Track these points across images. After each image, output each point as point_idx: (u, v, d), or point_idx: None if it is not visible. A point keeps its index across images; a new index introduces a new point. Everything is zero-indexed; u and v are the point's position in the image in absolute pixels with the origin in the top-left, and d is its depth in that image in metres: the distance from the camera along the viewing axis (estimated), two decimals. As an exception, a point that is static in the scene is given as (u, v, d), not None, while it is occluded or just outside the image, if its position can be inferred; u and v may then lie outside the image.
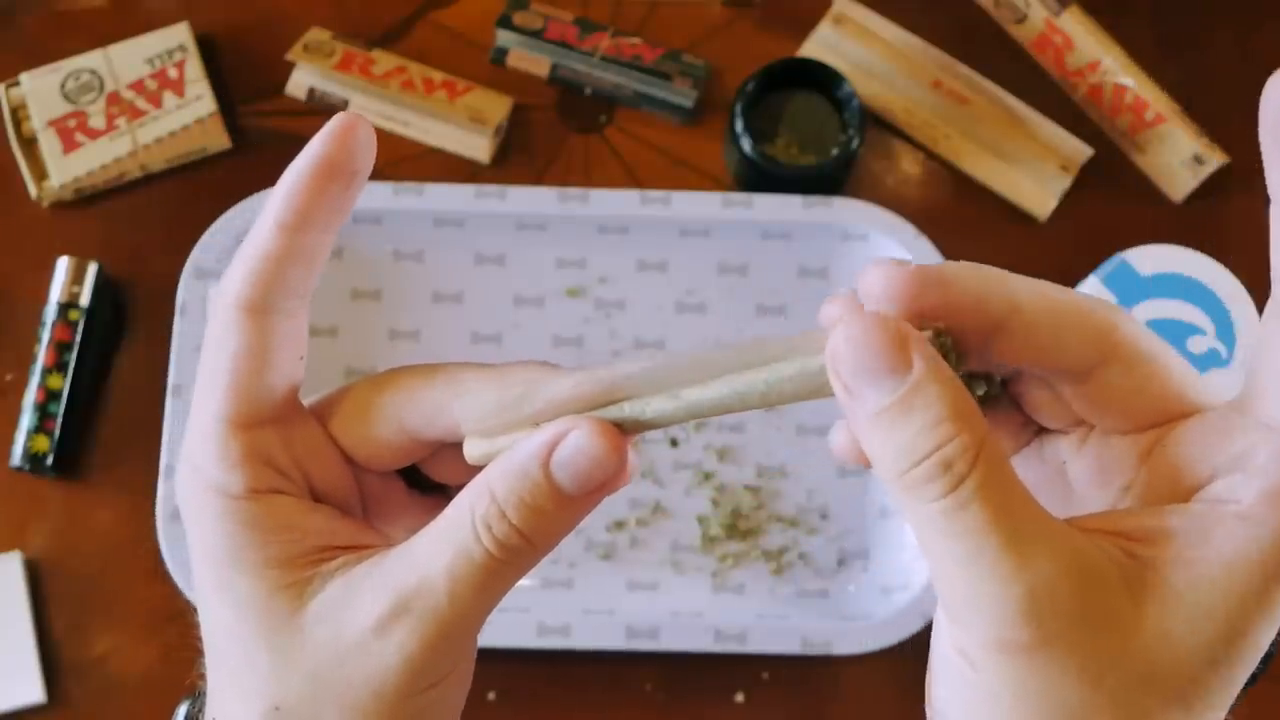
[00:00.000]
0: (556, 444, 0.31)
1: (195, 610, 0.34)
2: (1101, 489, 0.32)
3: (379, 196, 0.80)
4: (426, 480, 0.37)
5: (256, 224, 0.33)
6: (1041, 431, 0.34)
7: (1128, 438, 0.32)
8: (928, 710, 0.33)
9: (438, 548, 0.31)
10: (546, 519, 0.31)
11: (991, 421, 0.32)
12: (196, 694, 0.35)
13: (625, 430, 0.32)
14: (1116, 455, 0.32)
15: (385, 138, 0.86)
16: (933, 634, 0.31)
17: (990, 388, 0.33)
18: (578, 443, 0.31)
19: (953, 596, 0.29)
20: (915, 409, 0.28)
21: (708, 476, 0.80)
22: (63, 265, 0.80)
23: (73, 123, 0.83)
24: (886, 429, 0.28)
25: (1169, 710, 0.29)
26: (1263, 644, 0.30)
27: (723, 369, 0.31)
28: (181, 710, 0.37)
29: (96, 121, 0.83)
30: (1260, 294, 0.74)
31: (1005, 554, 0.28)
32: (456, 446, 0.34)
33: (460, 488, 0.32)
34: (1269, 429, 0.29)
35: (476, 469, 0.32)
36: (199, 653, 0.34)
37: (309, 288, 0.33)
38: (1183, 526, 0.29)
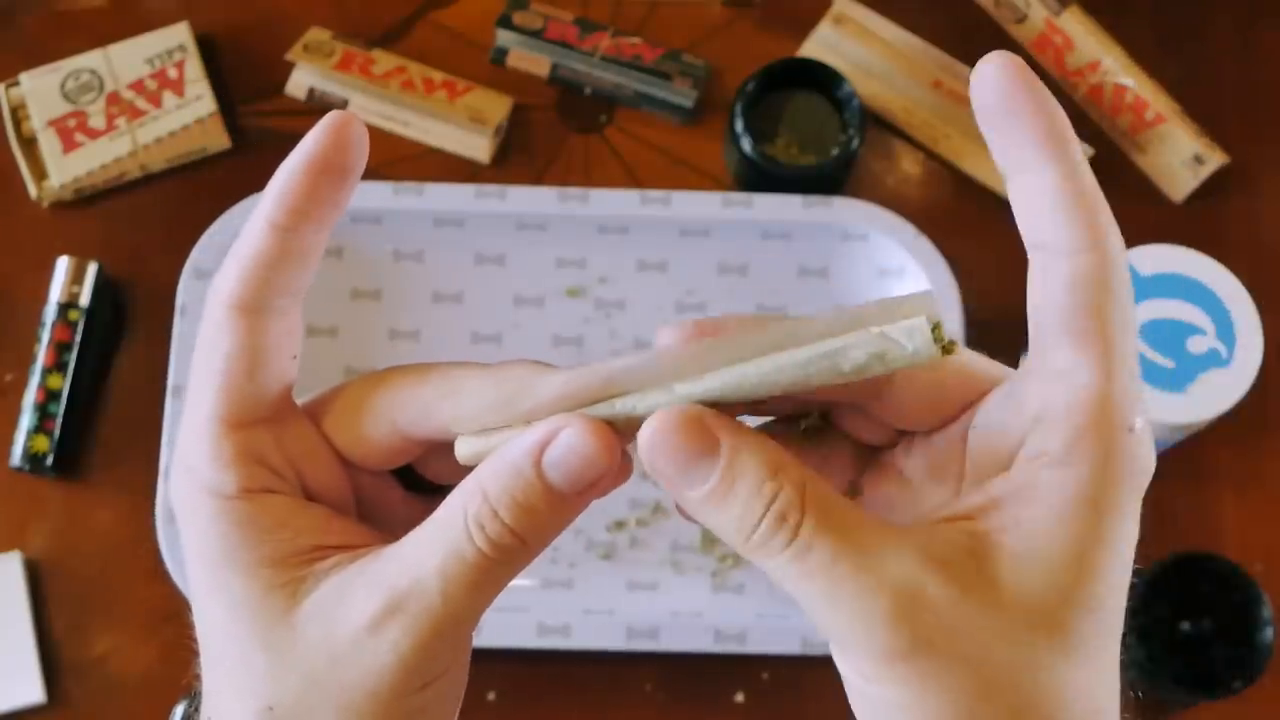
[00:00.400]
0: (548, 442, 0.31)
1: (191, 610, 0.34)
2: (940, 484, 0.34)
3: (379, 196, 0.80)
4: (422, 481, 0.37)
5: (249, 222, 0.32)
6: (876, 448, 0.35)
7: (944, 431, 0.33)
8: None
9: (430, 547, 0.31)
10: (539, 518, 0.31)
11: (828, 449, 0.35)
12: (193, 694, 0.35)
13: (619, 428, 0.31)
14: (941, 449, 0.33)
15: (385, 138, 0.86)
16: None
17: (810, 420, 0.35)
18: (569, 441, 0.31)
19: (831, 629, 0.30)
20: (736, 483, 0.30)
21: (708, 476, 0.80)
22: (62, 265, 0.80)
23: (72, 122, 0.83)
24: (718, 508, 0.30)
25: (1053, 659, 0.30)
26: (1115, 568, 0.31)
27: (717, 361, 0.31)
28: (179, 710, 0.37)
29: (96, 121, 0.83)
30: (1262, 294, 0.74)
31: (859, 575, 0.29)
32: (449, 447, 0.34)
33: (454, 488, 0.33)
34: (1057, 377, 0.30)
35: (471, 469, 0.32)
36: (195, 653, 0.34)
37: (303, 287, 0.33)
38: (1008, 491, 0.30)
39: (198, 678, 0.34)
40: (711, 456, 0.30)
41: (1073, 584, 0.30)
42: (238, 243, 0.33)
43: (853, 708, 0.32)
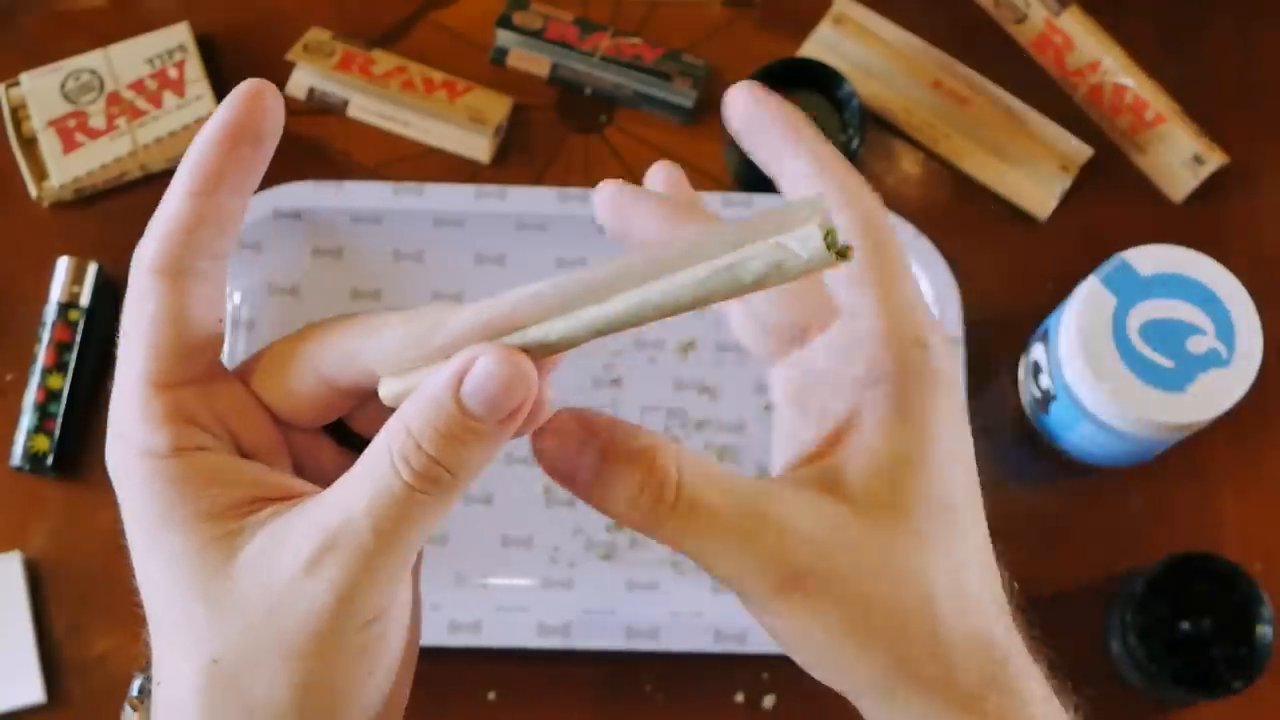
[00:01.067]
0: (465, 372, 0.31)
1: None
2: (801, 412, 0.38)
3: (379, 196, 0.80)
4: (356, 438, 0.37)
5: (168, 191, 0.34)
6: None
7: (796, 358, 0.38)
8: None
9: (359, 485, 0.32)
10: (463, 448, 0.31)
11: None
12: (147, 664, 0.35)
13: (534, 355, 0.32)
14: (795, 378, 0.38)
15: (385, 138, 0.86)
16: None
17: None
18: (486, 368, 0.31)
19: (728, 578, 0.35)
20: (612, 469, 0.33)
21: (708, 476, 0.80)
22: (63, 265, 0.80)
23: (73, 123, 0.83)
24: (600, 493, 0.34)
25: (910, 556, 0.34)
26: (949, 472, 0.35)
27: (623, 283, 0.31)
28: (135, 684, 0.37)
29: (96, 121, 0.83)
30: (1261, 294, 0.74)
31: (738, 527, 0.34)
32: (378, 399, 0.34)
33: None
34: (850, 315, 0.36)
35: (361, 376, 0.34)
36: (144, 621, 0.34)
37: (223, 250, 0.34)
38: (842, 418, 0.36)
39: (148, 645, 0.34)
40: (591, 452, 0.33)
41: (906, 482, 0.34)
42: (157, 211, 0.34)
43: (785, 650, 0.36)
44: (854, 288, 0.36)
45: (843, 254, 0.30)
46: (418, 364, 0.33)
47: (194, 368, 0.34)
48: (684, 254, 0.31)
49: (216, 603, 0.32)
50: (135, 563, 0.33)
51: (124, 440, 0.33)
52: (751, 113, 0.37)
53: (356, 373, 0.34)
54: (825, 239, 0.30)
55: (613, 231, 0.37)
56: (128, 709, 0.36)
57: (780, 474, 0.37)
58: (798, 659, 0.36)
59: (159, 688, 0.34)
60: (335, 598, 0.31)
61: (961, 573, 0.35)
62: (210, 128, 0.33)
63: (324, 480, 0.34)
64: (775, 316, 0.38)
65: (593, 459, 0.33)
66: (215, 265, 0.34)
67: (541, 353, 0.32)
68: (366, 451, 0.32)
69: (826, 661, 0.35)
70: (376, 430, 0.35)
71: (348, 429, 0.37)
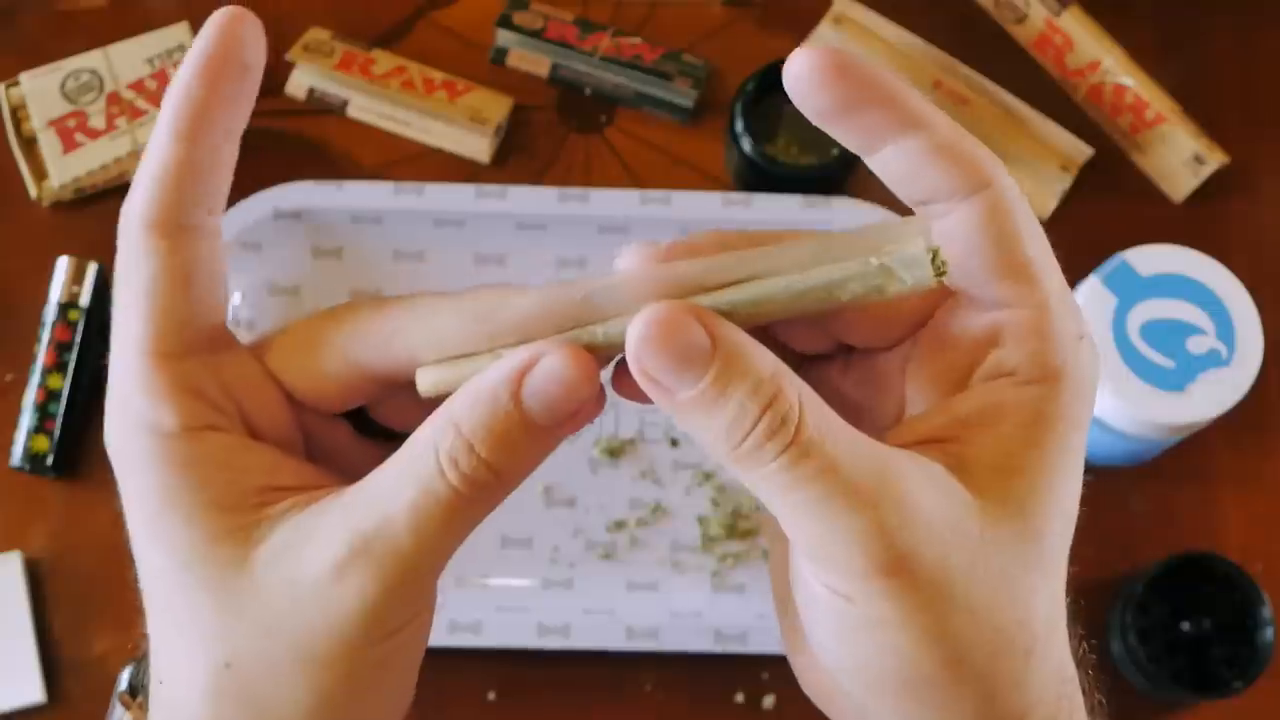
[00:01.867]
0: (527, 370, 0.28)
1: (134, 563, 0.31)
2: (881, 403, 0.33)
3: (379, 196, 0.80)
4: (375, 426, 0.34)
5: (151, 139, 0.30)
6: (804, 360, 0.34)
7: (889, 352, 0.33)
8: (793, 660, 0.34)
9: (399, 484, 0.29)
10: (517, 451, 0.29)
11: None
12: (141, 657, 0.33)
13: (597, 354, 0.29)
14: (882, 371, 0.33)
15: (385, 138, 0.86)
16: (793, 583, 0.31)
17: None
18: (550, 368, 0.28)
19: (812, 540, 0.29)
20: (731, 384, 0.28)
21: (708, 476, 0.80)
22: (63, 265, 0.80)
23: (73, 123, 0.83)
24: (707, 412, 0.28)
25: (1028, 572, 0.30)
26: (1076, 484, 0.31)
27: (701, 284, 0.29)
28: (124, 676, 0.35)
29: (96, 121, 0.83)
30: (1262, 294, 0.74)
31: (855, 486, 0.28)
32: (409, 388, 0.31)
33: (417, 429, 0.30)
34: (1002, 305, 0.31)
35: (431, 405, 0.30)
36: (140, 611, 0.32)
37: (219, 202, 0.31)
38: (974, 410, 0.30)
39: (145, 636, 0.32)
40: (705, 355, 0.28)
41: (1046, 495, 0.30)
42: (143, 162, 0.30)
43: (806, 617, 0.31)
44: (1005, 278, 0.30)
45: (941, 272, 0.29)
46: (464, 353, 0.30)
47: (198, 335, 0.31)
48: (773, 262, 0.29)
49: (230, 603, 0.29)
50: (135, 549, 0.31)
51: (124, 416, 0.30)
52: (832, 89, 0.29)
53: (393, 358, 0.31)
54: (932, 262, 0.29)
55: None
56: (118, 705, 0.35)
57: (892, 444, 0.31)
58: (840, 651, 0.31)
59: (160, 686, 0.31)
60: (363, 607, 0.29)
61: (1058, 599, 0.32)
62: (189, 64, 0.30)
63: (338, 469, 0.32)
64: (886, 320, 0.33)
65: (707, 371, 0.28)
66: (212, 219, 0.31)
67: (606, 352, 0.29)
68: (406, 447, 0.29)
69: (890, 664, 0.30)
70: (400, 421, 0.33)
71: (367, 416, 0.34)
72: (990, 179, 0.30)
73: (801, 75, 0.29)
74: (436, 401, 0.30)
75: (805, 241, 0.29)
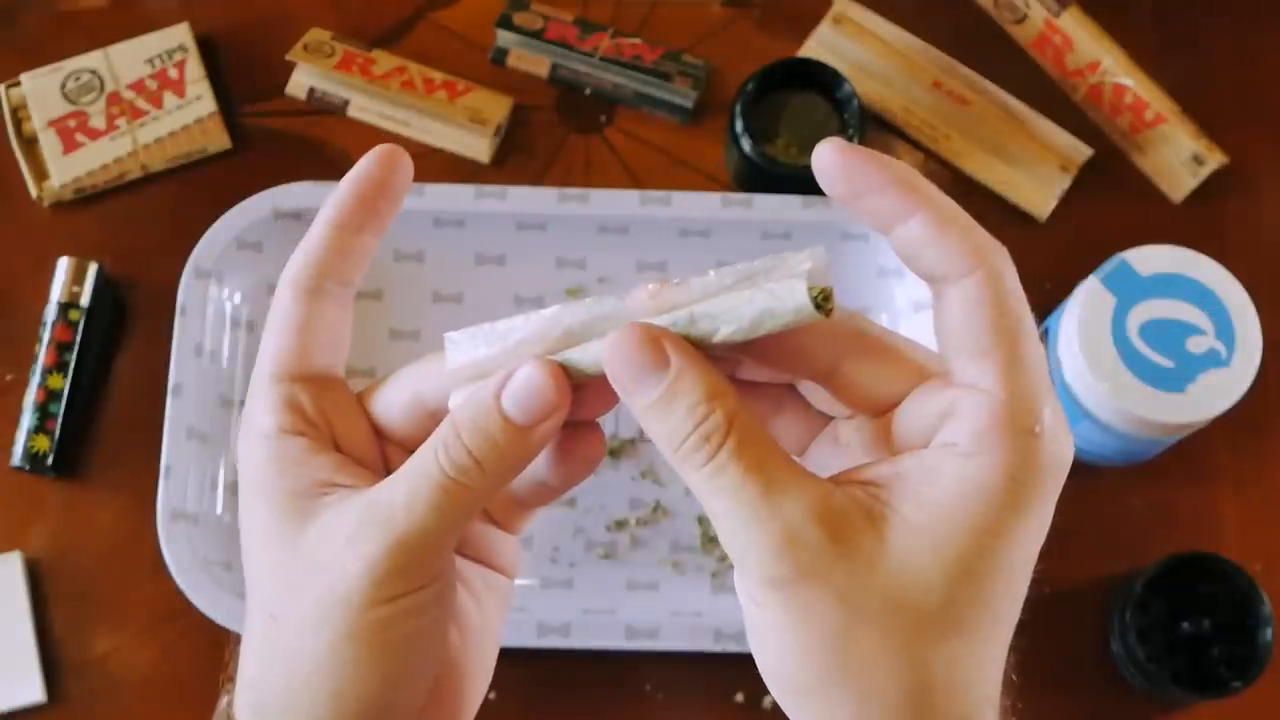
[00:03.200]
0: (508, 379, 0.36)
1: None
2: (871, 456, 0.37)
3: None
4: None
5: (315, 221, 0.39)
6: (830, 417, 0.40)
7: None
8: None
9: (405, 470, 0.36)
10: (495, 444, 0.36)
11: (792, 413, 0.40)
12: (231, 680, 0.40)
13: (573, 377, 0.36)
14: (878, 427, 0.37)
15: (385, 138, 0.86)
16: None
17: None
18: (523, 375, 0.36)
19: (730, 546, 0.34)
20: (677, 396, 0.34)
21: (708, 476, 0.80)
22: (63, 265, 0.80)
23: (73, 123, 0.83)
24: (660, 416, 0.35)
25: (924, 627, 0.33)
26: (1011, 561, 0.34)
27: (675, 304, 0.35)
28: (223, 702, 0.41)
29: (97, 122, 0.83)
30: (1261, 294, 0.74)
31: (761, 502, 0.33)
32: None
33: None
34: (962, 387, 0.34)
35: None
36: (234, 642, 0.40)
37: (354, 278, 0.39)
38: (914, 469, 0.34)
39: (233, 657, 0.40)
40: (661, 371, 0.34)
41: (957, 562, 0.33)
42: (304, 238, 0.39)
43: (746, 633, 0.36)
44: (975, 356, 0.34)
45: (822, 307, 0.33)
46: (485, 375, 0.37)
47: (310, 369, 0.39)
48: (702, 292, 0.35)
49: (282, 569, 0.37)
50: (240, 519, 0.39)
51: (247, 419, 0.39)
52: (855, 174, 0.34)
53: (441, 391, 0.38)
54: (812, 295, 0.33)
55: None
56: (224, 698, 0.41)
57: (828, 474, 0.36)
58: (756, 653, 0.36)
59: (245, 633, 0.39)
60: (363, 567, 0.35)
61: (973, 668, 0.34)
62: (353, 173, 0.38)
63: None
64: (877, 390, 0.36)
65: (661, 384, 0.34)
66: (343, 290, 0.39)
67: (579, 375, 0.36)
68: (422, 445, 0.37)
69: (784, 668, 0.34)
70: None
71: None
72: (980, 264, 0.34)
73: (823, 167, 0.35)
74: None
75: (722, 273, 0.35)
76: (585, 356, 0.36)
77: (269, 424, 0.38)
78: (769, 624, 0.34)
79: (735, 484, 0.33)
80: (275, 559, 0.37)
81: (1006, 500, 0.33)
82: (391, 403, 0.39)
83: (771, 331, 0.34)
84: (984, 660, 0.34)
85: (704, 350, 0.35)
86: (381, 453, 0.40)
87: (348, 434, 0.39)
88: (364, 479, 0.38)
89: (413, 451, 0.38)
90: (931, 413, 0.35)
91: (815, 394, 0.39)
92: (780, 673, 0.35)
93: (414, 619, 0.37)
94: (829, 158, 0.34)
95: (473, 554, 0.43)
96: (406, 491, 0.36)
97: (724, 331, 0.35)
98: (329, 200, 0.39)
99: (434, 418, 0.38)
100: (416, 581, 0.36)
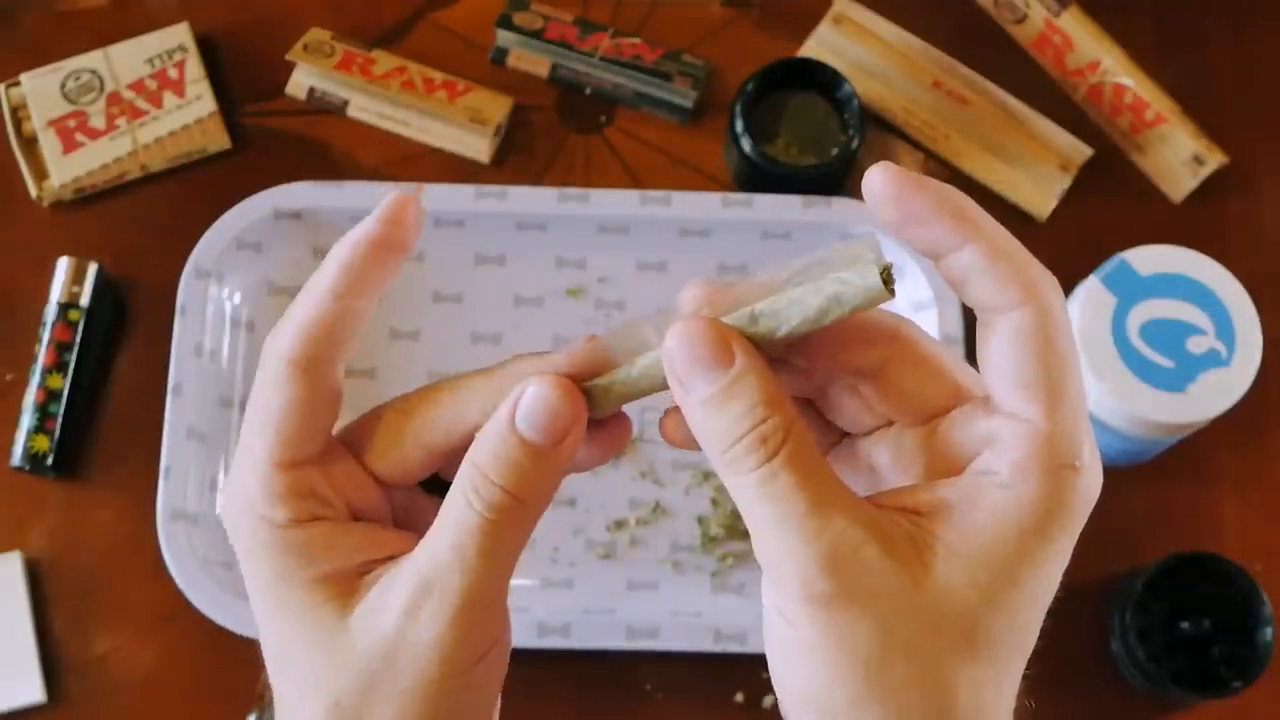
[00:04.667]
0: (518, 402, 0.35)
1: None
2: (899, 478, 0.37)
3: (379, 196, 0.79)
4: (442, 483, 0.39)
5: (310, 286, 0.36)
6: (845, 435, 0.39)
7: (915, 430, 0.37)
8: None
9: (442, 528, 0.35)
10: (525, 473, 0.35)
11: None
12: (263, 703, 0.40)
13: (612, 396, 0.36)
14: (908, 447, 0.37)
15: (385, 138, 0.86)
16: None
17: None
18: (534, 393, 0.35)
19: (767, 556, 0.33)
20: (736, 396, 0.33)
21: (708, 476, 0.80)
22: (63, 265, 0.80)
23: (73, 123, 0.83)
24: (713, 413, 0.34)
25: (957, 652, 0.33)
26: (1038, 592, 0.34)
27: (729, 306, 0.35)
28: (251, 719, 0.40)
29: (97, 121, 0.83)
30: (1261, 294, 0.74)
31: (810, 515, 0.33)
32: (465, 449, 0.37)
33: None
34: (1004, 417, 0.34)
35: (465, 440, 0.36)
36: (261, 665, 0.38)
37: (353, 347, 0.37)
38: (954, 496, 0.34)
39: (267, 687, 0.38)
40: (722, 367, 0.33)
41: (993, 590, 0.33)
42: (299, 304, 0.36)
43: (766, 647, 0.35)
44: (1018, 390, 0.34)
45: (887, 282, 0.33)
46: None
47: (314, 448, 0.37)
48: (760, 290, 0.34)
49: (335, 653, 0.35)
50: (256, 614, 0.37)
51: (246, 507, 0.36)
52: (907, 201, 0.34)
53: (458, 439, 0.37)
54: (881, 273, 0.33)
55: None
56: None
57: (867, 495, 0.35)
58: (779, 671, 0.35)
59: None
60: (435, 638, 0.35)
61: (994, 694, 0.34)
62: (361, 237, 0.36)
63: (418, 524, 0.38)
64: (917, 399, 0.36)
65: (721, 379, 0.34)
66: (344, 358, 0.37)
67: (607, 397, 0.35)
68: (447, 496, 0.36)
69: (810, 689, 0.34)
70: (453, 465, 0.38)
71: (435, 475, 0.40)
72: (1031, 298, 0.34)
73: (875, 191, 0.34)
74: None
75: (781, 270, 0.35)
76: (634, 370, 0.35)
77: (280, 515, 0.36)
78: (800, 642, 0.33)
79: (785, 492, 0.33)
80: (323, 645, 0.35)
81: (1042, 533, 0.33)
82: (401, 461, 0.38)
83: (838, 319, 0.34)
84: (1004, 686, 0.35)
85: (763, 350, 0.35)
86: (387, 498, 0.39)
87: (359, 499, 0.38)
88: (393, 543, 0.37)
89: (415, 483, 0.38)
90: (971, 437, 0.35)
91: (843, 405, 0.38)
92: (805, 692, 0.34)
93: (494, 661, 0.37)
94: (880, 183, 0.34)
95: None
96: (451, 548, 0.35)
97: (790, 324, 0.34)
98: (331, 262, 0.36)
99: (437, 455, 0.37)
100: (487, 633, 0.36)
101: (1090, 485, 0.34)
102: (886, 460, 0.37)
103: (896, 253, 0.80)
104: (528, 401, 0.35)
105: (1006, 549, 0.33)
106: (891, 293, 0.33)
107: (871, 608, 0.32)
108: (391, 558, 0.36)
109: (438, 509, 0.38)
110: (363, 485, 0.38)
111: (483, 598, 0.35)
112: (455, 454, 0.37)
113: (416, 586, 0.35)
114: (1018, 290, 0.34)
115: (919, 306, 0.79)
